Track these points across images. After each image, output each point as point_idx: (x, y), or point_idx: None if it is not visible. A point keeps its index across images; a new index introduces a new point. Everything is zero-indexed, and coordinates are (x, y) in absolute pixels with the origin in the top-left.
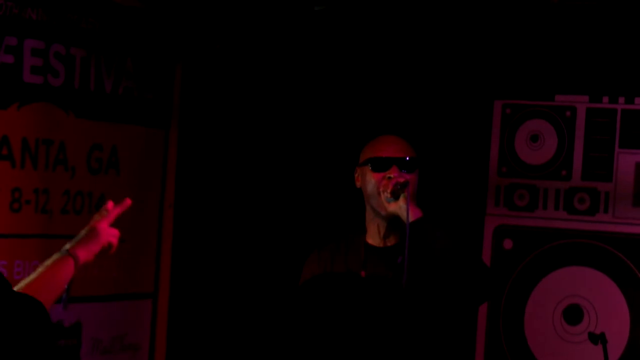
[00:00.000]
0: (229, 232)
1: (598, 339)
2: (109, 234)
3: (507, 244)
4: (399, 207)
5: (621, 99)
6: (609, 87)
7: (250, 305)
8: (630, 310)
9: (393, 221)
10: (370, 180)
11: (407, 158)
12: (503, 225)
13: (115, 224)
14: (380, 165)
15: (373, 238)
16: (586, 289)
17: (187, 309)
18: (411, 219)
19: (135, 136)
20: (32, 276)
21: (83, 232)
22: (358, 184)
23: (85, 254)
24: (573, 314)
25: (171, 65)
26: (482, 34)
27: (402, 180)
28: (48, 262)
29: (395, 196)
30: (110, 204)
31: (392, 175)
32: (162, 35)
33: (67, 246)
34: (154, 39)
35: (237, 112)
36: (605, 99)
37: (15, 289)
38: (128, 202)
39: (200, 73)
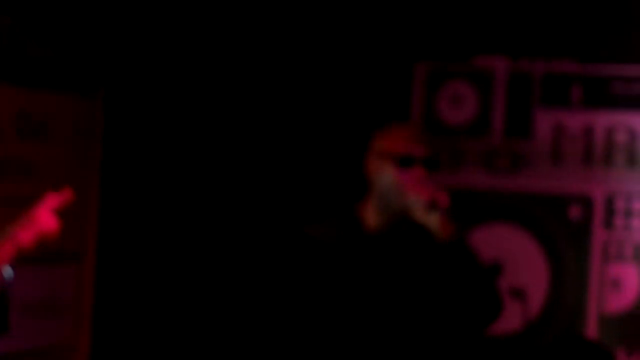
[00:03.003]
0: (156, 196)
1: (517, 294)
2: (47, 222)
3: None
4: (431, 221)
5: (540, 60)
6: (528, 47)
7: (177, 267)
8: (549, 266)
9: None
10: (389, 175)
11: (433, 158)
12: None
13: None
14: (405, 162)
15: (373, 225)
16: (506, 246)
17: (114, 272)
18: (443, 239)
19: (63, 103)
20: None
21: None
22: (369, 172)
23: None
24: (493, 270)
25: (102, 33)
26: None
27: (441, 198)
28: None
29: (430, 208)
30: (50, 195)
31: (420, 176)
32: (91, 4)
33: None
34: (82, 9)
35: (166, 79)
36: (525, 59)
37: None
38: (69, 193)
39: (128, 41)
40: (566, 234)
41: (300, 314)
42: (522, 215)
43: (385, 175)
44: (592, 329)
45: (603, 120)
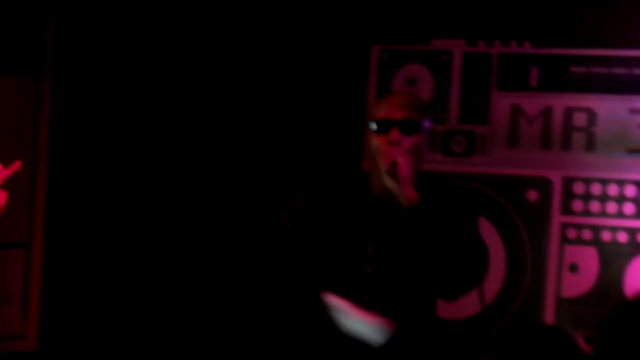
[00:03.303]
0: (104, 183)
1: None
2: None
3: None
4: (392, 186)
5: (497, 43)
6: (485, 30)
7: (125, 254)
8: (506, 250)
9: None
10: (372, 141)
11: (409, 120)
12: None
13: None
14: (381, 126)
15: (379, 193)
16: None
17: (62, 260)
18: (405, 204)
19: (6, 86)
20: None
21: None
22: (365, 137)
23: None
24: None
25: (43, 16)
26: None
27: (401, 165)
28: None
29: (389, 174)
30: None
31: (391, 139)
32: None
33: None
34: None
35: (113, 62)
36: (482, 42)
37: None
38: (17, 164)
39: (74, 23)
40: (524, 218)
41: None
42: (479, 200)
43: (371, 140)
44: (549, 313)
45: (561, 103)
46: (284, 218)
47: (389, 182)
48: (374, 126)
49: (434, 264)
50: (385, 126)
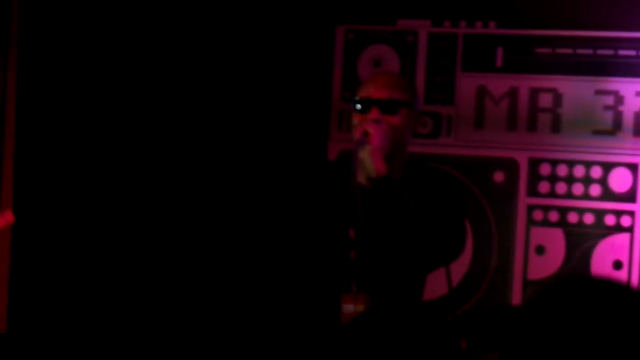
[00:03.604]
0: (72, 161)
1: None
2: None
3: None
4: (365, 157)
5: (462, 23)
6: (451, 11)
7: (93, 234)
8: (472, 231)
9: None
10: (354, 121)
11: (389, 99)
12: (347, 149)
13: None
14: (362, 105)
15: (363, 179)
16: None
17: (30, 240)
18: (374, 175)
19: None
20: None
21: None
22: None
23: None
24: None
25: None
26: None
27: (372, 135)
28: None
29: (360, 145)
30: None
31: (370, 119)
32: None
33: None
34: None
35: (80, 40)
36: (447, 23)
37: None
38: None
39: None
40: (490, 199)
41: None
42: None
43: (353, 119)
44: (516, 295)
45: (526, 84)
46: (259, 205)
47: (360, 153)
48: (356, 106)
49: (414, 243)
50: (365, 105)
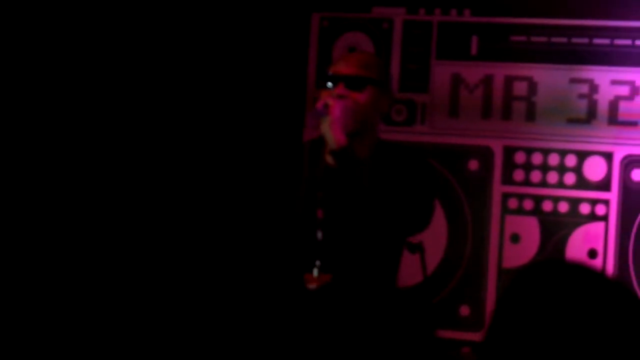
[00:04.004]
0: (66, 157)
1: (415, 248)
2: None
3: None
4: (325, 129)
5: (437, 11)
6: None
7: (71, 222)
8: (447, 219)
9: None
10: (320, 96)
11: (356, 76)
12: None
13: None
14: (330, 81)
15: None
16: None
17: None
18: (333, 147)
19: None
20: None
21: None
22: None
23: None
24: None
25: None
26: None
27: (332, 106)
28: None
29: (320, 116)
30: None
31: (336, 93)
32: None
33: None
34: None
35: (73, 38)
36: (422, 10)
37: None
38: None
39: None
40: (465, 187)
41: None
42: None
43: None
44: (491, 284)
45: (501, 72)
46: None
47: (322, 126)
48: (327, 83)
49: (371, 215)
50: (333, 81)
